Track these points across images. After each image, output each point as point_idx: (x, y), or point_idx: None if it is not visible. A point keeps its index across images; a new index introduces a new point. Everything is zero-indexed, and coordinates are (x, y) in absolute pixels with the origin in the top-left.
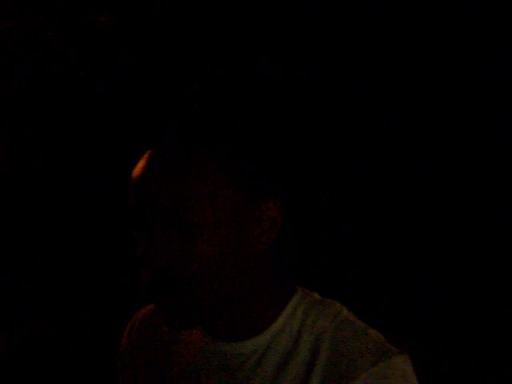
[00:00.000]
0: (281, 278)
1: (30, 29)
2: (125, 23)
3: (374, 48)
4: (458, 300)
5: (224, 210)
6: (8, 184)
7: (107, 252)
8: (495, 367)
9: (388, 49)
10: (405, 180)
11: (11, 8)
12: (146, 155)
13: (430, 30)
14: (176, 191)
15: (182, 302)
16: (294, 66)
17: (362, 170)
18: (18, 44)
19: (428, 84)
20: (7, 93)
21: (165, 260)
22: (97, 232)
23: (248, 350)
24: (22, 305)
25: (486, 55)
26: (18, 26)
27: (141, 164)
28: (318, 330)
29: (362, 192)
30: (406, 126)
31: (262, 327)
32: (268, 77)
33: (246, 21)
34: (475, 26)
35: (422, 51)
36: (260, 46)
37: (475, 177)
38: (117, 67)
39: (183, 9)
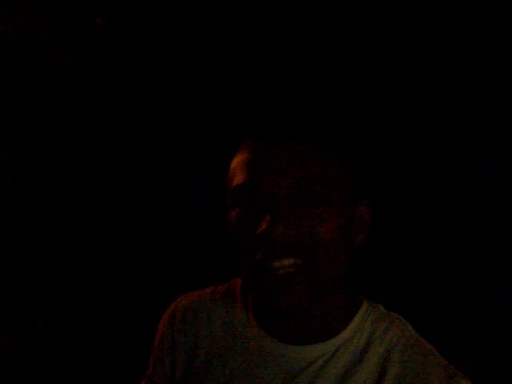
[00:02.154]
0: (350, 290)
1: (25, 31)
2: (121, 24)
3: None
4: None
5: (343, 197)
6: (7, 183)
7: (107, 251)
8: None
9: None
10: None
11: (5, 10)
12: (259, 143)
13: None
14: (315, 170)
15: (302, 275)
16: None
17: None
18: (13, 47)
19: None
20: (3, 95)
21: (291, 231)
22: (97, 231)
23: (312, 355)
24: (21, 305)
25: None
26: (12, 28)
27: (259, 150)
28: (388, 344)
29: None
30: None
31: (328, 334)
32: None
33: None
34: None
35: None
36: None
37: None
38: (113, 68)
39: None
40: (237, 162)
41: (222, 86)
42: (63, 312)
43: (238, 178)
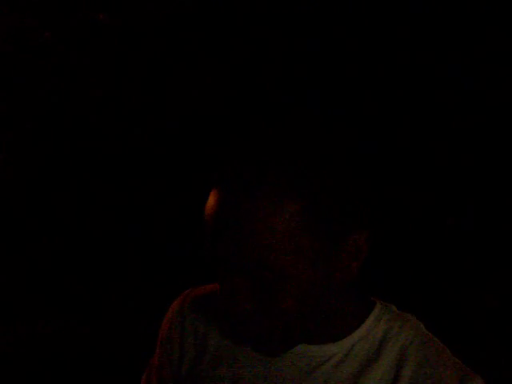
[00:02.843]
0: (361, 291)
1: (27, 28)
2: (123, 21)
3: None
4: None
5: (308, 258)
6: (7, 183)
7: (106, 251)
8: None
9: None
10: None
11: (8, 7)
12: (218, 198)
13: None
14: (260, 246)
15: (271, 335)
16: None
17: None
18: (15, 43)
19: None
20: (6, 93)
21: (248, 307)
22: (96, 231)
23: (327, 352)
24: (21, 305)
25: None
26: (15, 25)
27: (215, 210)
28: (402, 343)
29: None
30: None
31: (342, 334)
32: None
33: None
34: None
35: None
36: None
37: None
38: (115, 65)
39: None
40: (205, 212)
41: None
42: (65, 311)
43: (205, 239)
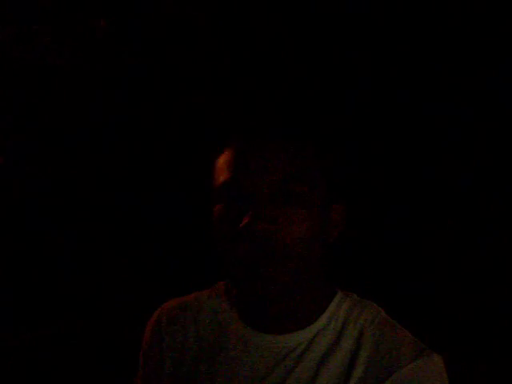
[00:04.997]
0: (325, 280)
1: (27, 34)
2: (124, 28)
3: None
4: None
5: (318, 198)
6: (7, 183)
7: (107, 251)
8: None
9: None
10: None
11: (8, 13)
12: (244, 145)
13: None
14: (294, 172)
15: (280, 266)
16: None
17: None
18: (16, 50)
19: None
20: (5, 98)
21: (269, 227)
22: (96, 230)
23: (292, 342)
24: (22, 305)
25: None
26: (15, 31)
27: (244, 151)
28: (361, 325)
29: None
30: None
31: (306, 323)
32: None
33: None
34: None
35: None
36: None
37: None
38: (116, 72)
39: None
40: (222, 161)
41: (211, 89)
42: (67, 312)
43: (223, 176)
